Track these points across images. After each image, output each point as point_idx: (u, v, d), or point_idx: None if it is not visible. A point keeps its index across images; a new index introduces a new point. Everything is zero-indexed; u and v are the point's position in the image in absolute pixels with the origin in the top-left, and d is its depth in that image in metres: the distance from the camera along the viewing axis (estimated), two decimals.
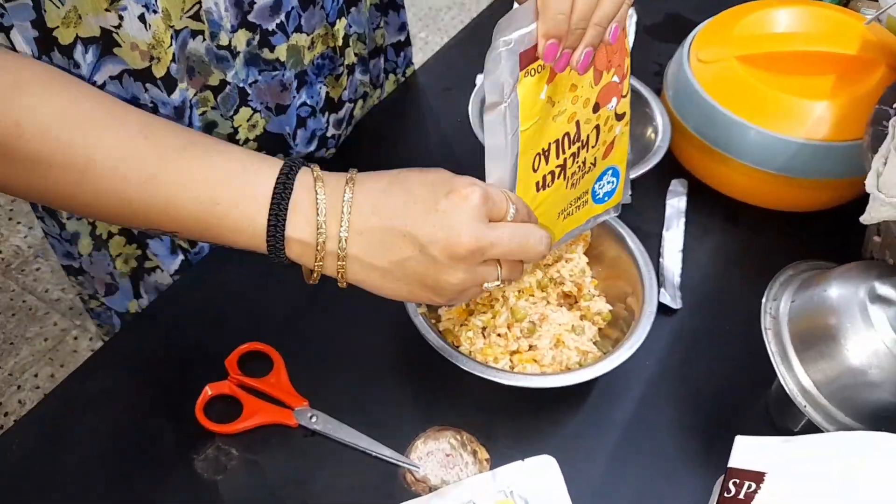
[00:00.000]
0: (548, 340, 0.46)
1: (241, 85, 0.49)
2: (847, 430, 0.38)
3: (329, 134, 0.57)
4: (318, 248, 0.35)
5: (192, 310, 0.51)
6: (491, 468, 0.43)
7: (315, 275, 0.36)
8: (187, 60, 0.45)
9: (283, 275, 0.38)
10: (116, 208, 0.35)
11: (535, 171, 0.39)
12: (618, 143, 0.44)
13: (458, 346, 0.45)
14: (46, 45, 0.39)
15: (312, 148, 0.56)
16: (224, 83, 0.48)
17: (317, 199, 0.35)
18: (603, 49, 0.37)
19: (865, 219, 0.41)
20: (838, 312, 0.39)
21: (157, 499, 0.42)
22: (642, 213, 0.56)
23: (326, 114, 0.56)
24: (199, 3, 0.43)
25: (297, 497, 0.42)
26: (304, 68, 0.51)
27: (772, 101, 0.53)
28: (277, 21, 0.47)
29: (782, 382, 0.41)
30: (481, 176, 0.39)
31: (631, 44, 0.70)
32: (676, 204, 0.58)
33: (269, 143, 0.53)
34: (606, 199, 0.47)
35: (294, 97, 0.52)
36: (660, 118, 0.57)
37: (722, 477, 0.37)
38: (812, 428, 0.40)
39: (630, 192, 0.48)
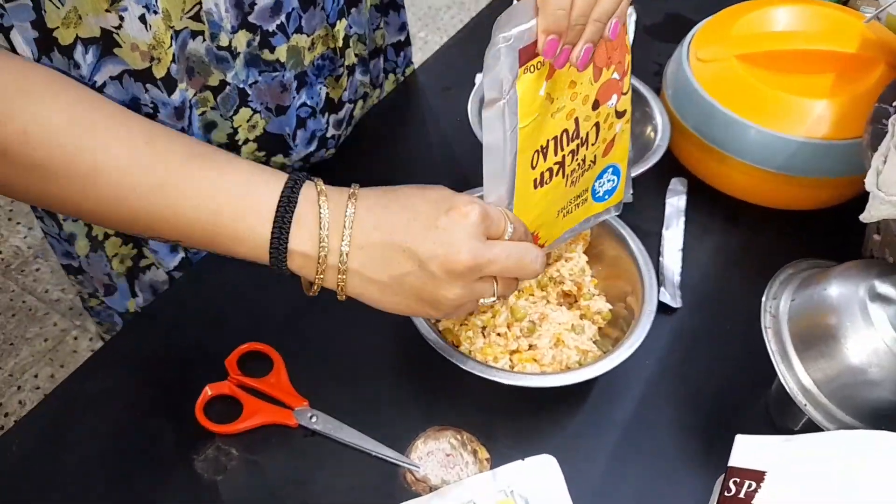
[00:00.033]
0: (548, 340, 0.46)
1: (241, 86, 0.48)
2: (847, 429, 0.38)
3: (329, 134, 0.57)
4: (320, 261, 0.36)
5: (192, 310, 0.51)
6: (491, 468, 0.43)
7: (315, 287, 0.37)
8: (187, 61, 0.45)
9: (282, 276, 0.38)
10: (121, 216, 0.36)
11: (533, 167, 0.39)
12: (618, 140, 0.44)
13: (457, 346, 0.45)
14: (46, 45, 0.39)
15: (312, 148, 0.56)
16: (224, 84, 0.48)
17: (320, 213, 0.35)
18: (603, 46, 0.37)
19: (865, 217, 0.41)
20: (838, 311, 0.39)
21: (157, 499, 0.42)
22: (642, 211, 0.56)
23: (326, 114, 0.56)
24: (200, 3, 0.43)
25: (298, 497, 0.42)
26: (304, 69, 0.51)
27: (771, 100, 0.53)
28: (278, 22, 0.47)
29: (782, 381, 0.41)
30: (481, 173, 0.39)
31: (631, 43, 0.70)
32: (676, 203, 0.58)
33: (269, 144, 0.53)
34: (607, 197, 0.46)
35: (294, 98, 0.52)
36: (659, 117, 0.57)
37: (722, 476, 0.37)
38: (812, 427, 0.40)
39: (631, 191, 0.48)
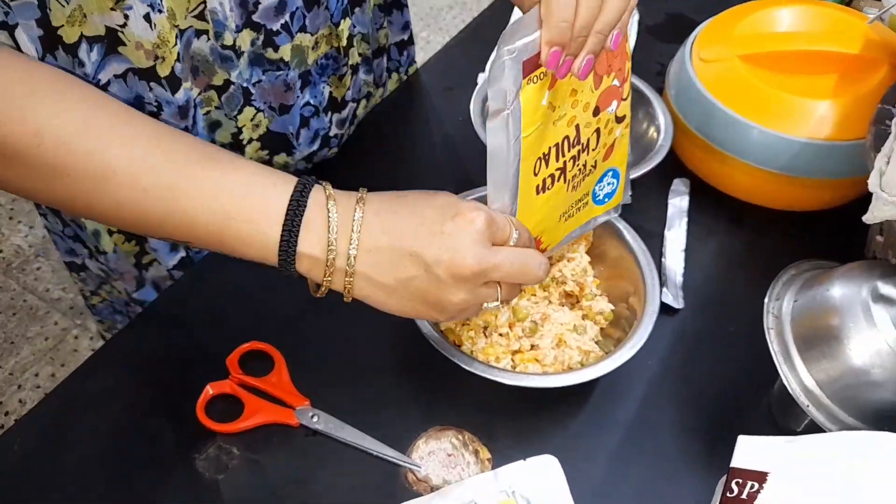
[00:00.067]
0: (550, 340, 0.45)
1: (245, 85, 0.49)
2: (850, 430, 0.38)
3: (332, 133, 0.57)
4: (328, 264, 0.36)
5: (193, 309, 0.51)
6: (493, 468, 0.43)
7: (323, 289, 0.38)
8: (192, 60, 0.45)
9: (290, 277, 0.38)
10: (133, 218, 0.36)
11: (535, 174, 0.40)
12: (618, 145, 0.44)
13: (459, 346, 0.45)
14: (51, 43, 0.39)
15: (315, 147, 0.56)
16: (228, 83, 0.48)
17: (328, 216, 0.36)
18: (604, 54, 0.38)
19: (868, 218, 0.41)
20: (841, 312, 0.39)
21: (158, 498, 0.42)
22: (644, 212, 0.56)
23: (329, 113, 0.56)
24: (205, 2, 0.43)
25: (299, 496, 0.42)
26: (308, 68, 0.51)
27: (774, 101, 0.53)
28: (282, 21, 0.47)
29: (785, 382, 0.40)
30: (483, 174, 0.39)
31: (633, 44, 0.71)
32: (679, 203, 0.58)
33: (273, 143, 0.53)
34: (607, 200, 0.47)
35: (298, 97, 0.52)
36: (662, 118, 0.57)
37: (724, 477, 0.37)
38: (814, 428, 0.40)
39: (630, 193, 0.48)
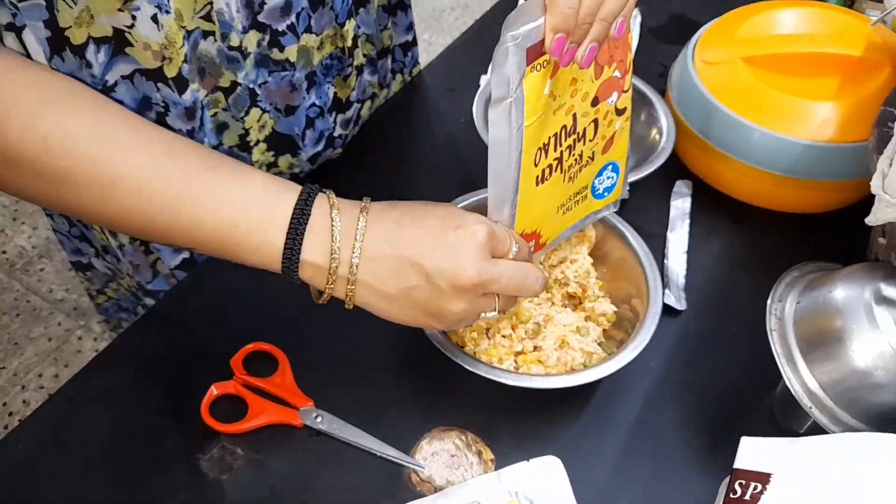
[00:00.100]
0: (552, 341, 0.46)
1: (251, 86, 0.49)
2: (853, 432, 0.38)
3: (336, 134, 0.57)
4: (331, 272, 0.37)
5: (197, 310, 0.51)
6: (496, 469, 0.43)
7: (325, 296, 0.38)
8: (198, 61, 0.45)
9: (293, 283, 0.38)
10: (140, 224, 0.36)
11: (535, 165, 0.39)
12: (618, 138, 0.44)
13: (462, 347, 0.45)
14: (58, 45, 0.39)
15: (320, 148, 0.56)
16: (235, 84, 0.48)
17: (332, 225, 0.36)
18: (606, 44, 0.37)
19: (871, 220, 0.41)
20: (844, 314, 0.39)
21: (162, 498, 0.42)
22: (646, 214, 0.56)
23: (334, 114, 0.56)
24: (211, 3, 0.43)
25: (302, 496, 0.42)
26: (314, 69, 0.51)
27: (776, 103, 0.53)
28: (288, 22, 0.47)
29: (788, 384, 0.41)
30: (486, 175, 0.39)
31: (635, 45, 0.70)
32: (681, 205, 0.58)
33: (278, 144, 0.53)
34: (606, 194, 0.47)
35: (304, 98, 0.52)
36: (664, 119, 0.57)
37: (727, 478, 0.37)
38: (817, 429, 0.40)
39: (628, 188, 0.48)
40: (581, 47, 0.35)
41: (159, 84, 0.43)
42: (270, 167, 0.55)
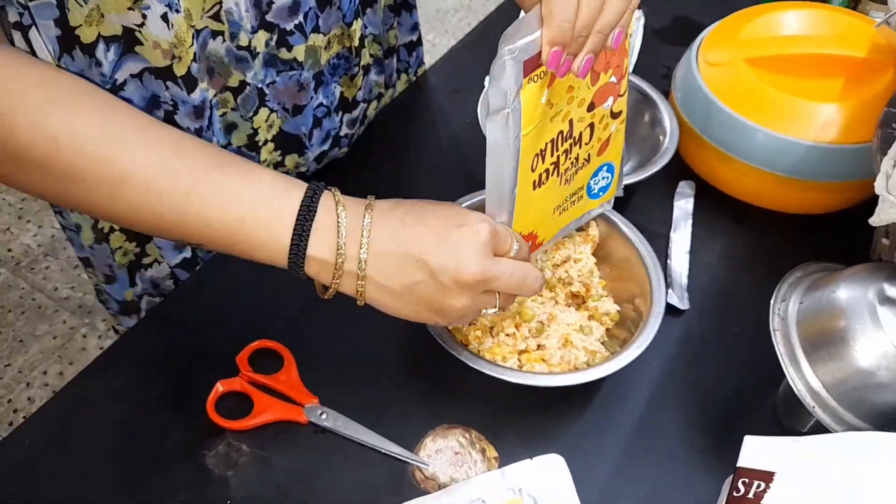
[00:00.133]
0: (556, 340, 0.46)
1: (260, 86, 0.49)
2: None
3: (342, 133, 0.58)
4: (337, 267, 0.37)
5: (203, 307, 0.52)
6: (499, 466, 0.43)
7: (330, 291, 0.39)
8: (207, 61, 0.46)
9: (299, 277, 0.39)
10: (148, 221, 0.37)
11: (532, 170, 0.40)
12: (613, 139, 0.44)
13: (466, 346, 0.46)
14: (68, 43, 0.40)
15: (326, 147, 0.57)
16: (244, 84, 0.48)
17: (338, 221, 0.37)
18: (602, 52, 0.38)
19: (874, 221, 0.41)
20: (847, 314, 0.39)
21: (167, 494, 0.42)
22: (650, 214, 0.56)
23: (340, 113, 0.56)
24: (220, 3, 0.43)
25: (307, 493, 0.42)
26: (321, 69, 0.52)
27: (780, 104, 0.53)
28: (296, 22, 0.47)
29: (791, 383, 0.41)
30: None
31: (638, 46, 0.71)
32: (684, 206, 0.58)
33: (285, 143, 0.54)
34: (601, 194, 0.47)
35: (311, 98, 0.52)
36: (668, 120, 0.57)
37: (730, 477, 0.37)
38: (820, 429, 0.40)
39: (622, 186, 0.49)
40: (577, 59, 0.35)
41: (168, 83, 0.43)
42: (277, 166, 0.55)
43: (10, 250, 1.38)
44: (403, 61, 0.66)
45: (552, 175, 0.42)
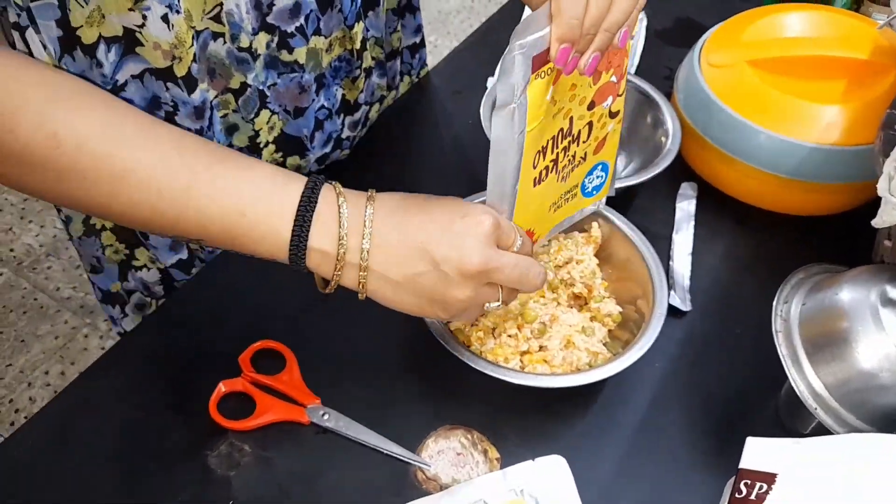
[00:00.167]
0: (558, 341, 0.46)
1: (261, 87, 0.49)
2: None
3: (344, 135, 0.58)
4: (339, 258, 0.37)
5: (204, 308, 0.52)
6: (501, 467, 0.43)
7: (332, 285, 0.38)
8: (208, 62, 0.46)
9: (296, 275, 0.39)
10: (148, 218, 0.37)
11: (534, 167, 0.40)
12: (609, 138, 0.45)
13: (469, 347, 0.46)
14: (69, 44, 0.40)
15: (328, 149, 0.57)
16: (245, 86, 0.48)
17: (339, 212, 0.37)
18: (607, 51, 0.38)
19: (877, 223, 0.41)
20: (849, 316, 0.39)
21: (169, 493, 0.42)
22: (652, 215, 0.56)
23: (342, 116, 0.56)
24: (220, 5, 0.43)
25: (309, 493, 0.42)
26: (323, 71, 0.52)
27: (783, 105, 0.53)
28: (297, 24, 0.47)
29: (793, 385, 0.41)
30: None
31: (641, 47, 0.71)
32: (686, 207, 0.58)
33: (287, 146, 0.54)
34: (595, 192, 0.47)
35: (313, 100, 0.52)
36: (670, 122, 0.57)
37: (733, 478, 0.37)
38: (822, 430, 0.40)
39: (615, 186, 0.49)
40: (584, 56, 0.35)
41: (169, 83, 0.44)
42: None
43: (12, 250, 1.39)
44: (406, 63, 0.66)
45: (551, 172, 0.42)
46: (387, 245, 0.37)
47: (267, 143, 0.53)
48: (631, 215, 0.51)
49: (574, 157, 0.43)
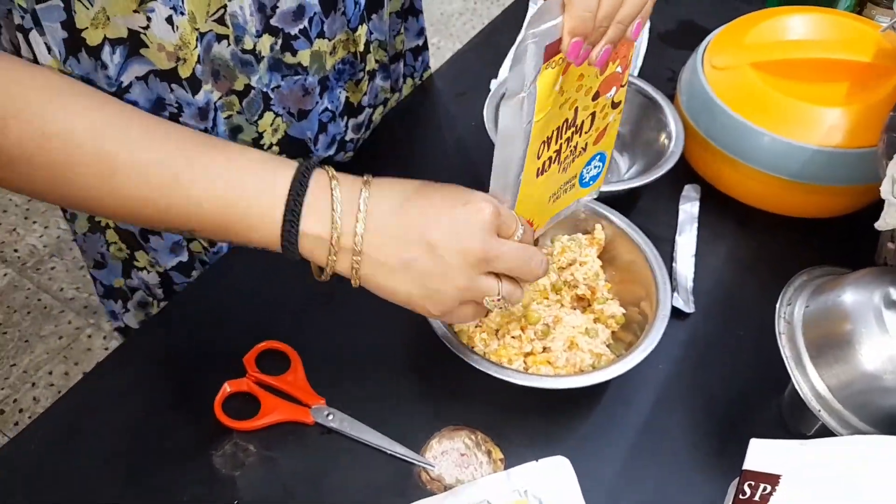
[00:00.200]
0: (561, 343, 0.46)
1: (265, 90, 0.49)
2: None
3: (348, 138, 0.58)
4: (333, 242, 0.36)
5: (209, 308, 0.52)
6: (505, 468, 0.43)
7: (327, 271, 0.37)
8: (212, 64, 0.46)
9: (301, 275, 0.39)
10: (138, 210, 0.36)
11: (538, 158, 0.40)
12: (609, 129, 0.45)
13: (472, 348, 0.46)
14: (75, 46, 0.40)
15: (332, 152, 0.57)
16: (249, 88, 0.49)
17: (332, 195, 0.36)
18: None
19: (880, 225, 0.41)
20: (853, 318, 0.39)
21: (174, 494, 0.43)
22: (655, 217, 0.56)
23: (346, 118, 0.57)
24: (224, 7, 0.43)
25: (313, 493, 0.43)
26: (326, 73, 0.52)
27: (786, 108, 0.53)
28: (300, 26, 0.47)
29: (796, 387, 0.41)
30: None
31: (644, 49, 0.71)
32: (689, 209, 0.58)
33: (291, 148, 0.54)
34: (592, 182, 0.47)
35: (316, 102, 0.52)
36: (673, 124, 0.58)
37: (736, 479, 0.37)
38: (825, 432, 0.40)
39: (620, 189, 0.49)
40: (596, 49, 0.35)
41: (173, 85, 0.44)
42: None
43: (16, 251, 1.39)
44: (409, 66, 0.66)
45: (554, 163, 0.41)
46: (383, 228, 0.36)
47: (270, 145, 0.53)
48: (634, 217, 0.51)
49: (576, 147, 0.43)
